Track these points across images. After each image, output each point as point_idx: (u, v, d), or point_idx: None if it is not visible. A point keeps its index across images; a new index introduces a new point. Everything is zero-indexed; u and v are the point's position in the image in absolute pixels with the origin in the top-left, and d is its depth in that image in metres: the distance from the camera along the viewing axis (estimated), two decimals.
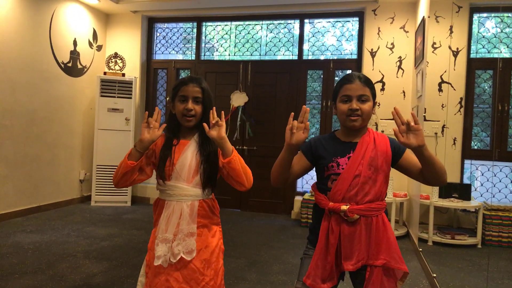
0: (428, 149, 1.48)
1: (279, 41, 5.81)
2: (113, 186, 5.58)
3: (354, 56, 5.50)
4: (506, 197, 4.41)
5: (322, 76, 5.62)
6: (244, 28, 5.94)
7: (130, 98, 5.70)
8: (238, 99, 5.72)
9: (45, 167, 5.16)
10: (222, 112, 1.68)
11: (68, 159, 5.55)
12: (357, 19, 5.49)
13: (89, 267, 3.26)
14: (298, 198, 5.42)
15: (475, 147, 4.61)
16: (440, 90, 4.51)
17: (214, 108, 1.67)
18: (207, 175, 1.72)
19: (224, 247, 1.84)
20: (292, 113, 1.52)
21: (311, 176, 5.58)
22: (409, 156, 1.65)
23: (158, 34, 6.31)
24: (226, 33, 6.02)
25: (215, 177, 1.76)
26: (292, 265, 3.48)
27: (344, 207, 1.55)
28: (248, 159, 5.64)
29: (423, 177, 1.59)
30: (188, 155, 1.72)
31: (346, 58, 5.55)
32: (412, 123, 1.44)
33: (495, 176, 4.41)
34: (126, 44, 6.12)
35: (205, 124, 1.63)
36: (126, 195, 5.72)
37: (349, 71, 5.25)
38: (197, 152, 1.73)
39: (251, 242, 4.20)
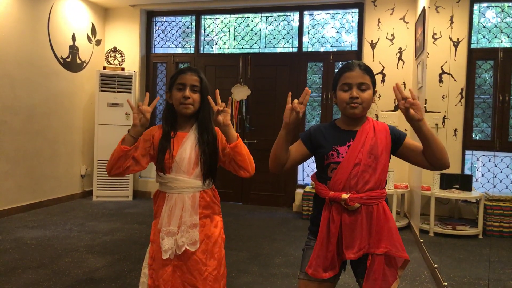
0: (426, 124, 1.50)
1: (279, 33, 5.79)
2: (114, 181, 5.63)
3: (354, 48, 5.48)
4: (507, 188, 4.41)
5: (322, 68, 5.60)
6: (243, 21, 5.91)
7: (130, 92, 5.69)
8: (240, 92, 5.69)
9: (46, 162, 5.17)
10: (230, 98, 1.71)
11: (68, 155, 5.55)
12: (356, 10, 5.46)
13: (91, 261, 3.28)
14: (299, 191, 5.42)
15: (476, 138, 4.60)
16: (440, 81, 4.49)
17: (218, 91, 1.67)
18: (207, 166, 1.72)
19: (225, 237, 1.85)
20: (290, 93, 1.56)
21: (312, 169, 5.58)
22: (410, 142, 1.65)
23: (157, 28, 6.29)
24: (225, 26, 5.99)
25: (215, 168, 1.76)
26: (294, 258, 3.49)
27: (345, 196, 1.55)
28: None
29: (425, 159, 1.59)
30: (187, 147, 1.72)
31: (346, 50, 5.53)
32: (410, 99, 1.46)
33: (496, 166, 4.41)
34: (125, 38, 6.09)
35: (209, 97, 1.65)
36: (128, 190, 5.73)
37: None
38: (196, 144, 1.73)
39: (252, 235, 4.21)
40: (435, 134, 1.53)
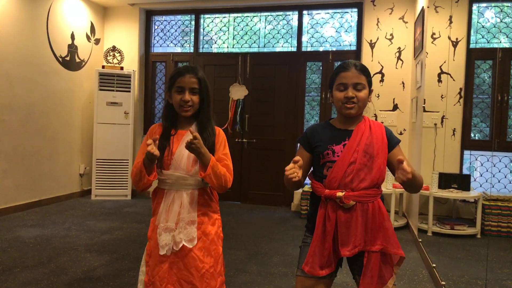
0: (412, 179, 1.47)
1: (278, 33, 5.79)
2: (113, 179, 5.64)
3: (353, 48, 5.48)
4: (505, 187, 4.41)
5: (321, 68, 5.61)
6: (242, 20, 5.91)
7: (129, 91, 5.69)
8: (238, 92, 5.70)
9: (45, 161, 5.16)
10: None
11: (67, 153, 5.55)
12: (356, 10, 5.46)
13: (90, 260, 3.28)
14: (297, 190, 5.42)
15: (475, 138, 4.61)
16: (439, 80, 4.49)
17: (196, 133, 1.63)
18: None
19: (223, 236, 1.85)
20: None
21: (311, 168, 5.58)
22: (398, 152, 1.66)
23: (156, 27, 6.28)
24: (225, 25, 5.99)
25: None
26: (292, 257, 3.49)
27: (340, 194, 1.57)
28: (247, 152, 5.65)
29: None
30: None
31: (345, 49, 5.53)
32: (403, 166, 1.44)
33: (494, 166, 4.42)
34: (124, 37, 6.09)
35: (191, 130, 1.62)
36: (126, 189, 5.73)
37: None
38: None
39: (251, 234, 4.21)
40: (416, 178, 1.53)
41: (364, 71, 1.65)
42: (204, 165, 1.65)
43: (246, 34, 5.90)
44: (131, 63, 6.02)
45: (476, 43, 4.53)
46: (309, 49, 5.67)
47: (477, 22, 4.54)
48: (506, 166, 4.39)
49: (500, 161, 4.39)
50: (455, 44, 4.46)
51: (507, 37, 4.46)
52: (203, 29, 6.09)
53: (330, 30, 5.62)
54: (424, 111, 4.17)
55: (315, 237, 1.62)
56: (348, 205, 1.57)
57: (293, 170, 1.49)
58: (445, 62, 4.47)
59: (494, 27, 4.51)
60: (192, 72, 1.74)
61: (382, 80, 5.17)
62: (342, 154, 1.61)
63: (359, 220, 1.58)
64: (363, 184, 1.59)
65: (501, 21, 4.50)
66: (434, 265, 3.13)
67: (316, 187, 1.66)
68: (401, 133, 5.08)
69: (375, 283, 1.57)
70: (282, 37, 5.77)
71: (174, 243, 1.68)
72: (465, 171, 4.55)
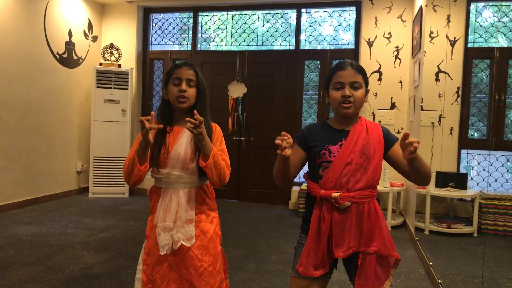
0: (417, 159, 1.48)
1: (276, 31, 5.78)
2: (110, 177, 5.62)
3: (351, 46, 5.48)
4: (502, 186, 4.43)
5: (319, 66, 5.61)
6: (240, 18, 5.90)
7: (127, 89, 5.68)
8: (237, 90, 5.69)
9: (42, 159, 5.15)
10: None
11: (65, 151, 5.54)
12: (354, 8, 5.46)
13: (87, 258, 3.27)
14: (295, 189, 5.43)
15: (472, 137, 4.62)
16: (437, 79, 4.50)
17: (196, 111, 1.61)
18: None
19: (221, 234, 1.84)
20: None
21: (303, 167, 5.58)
22: (398, 149, 1.64)
23: (154, 25, 6.27)
24: (223, 23, 5.98)
25: None
26: (290, 255, 3.50)
27: (335, 194, 1.56)
28: (245, 150, 5.65)
29: (408, 175, 1.60)
30: (183, 142, 1.71)
31: (343, 48, 5.53)
32: (408, 140, 1.43)
33: (491, 165, 4.43)
34: (122, 35, 6.07)
35: (195, 112, 1.59)
36: (124, 187, 5.72)
37: None
38: (192, 139, 1.71)
39: (249, 232, 4.22)
40: (424, 166, 1.52)
41: (361, 70, 1.64)
42: (206, 155, 1.63)
43: (244, 32, 5.89)
44: (128, 61, 6.00)
45: (473, 42, 4.54)
46: (307, 47, 5.66)
47: (475, 21, 4.55)
48: (503, 165, 4.41)
49: (497, 160, 4.40)
50: (453, 43, 4.47)
51: (504, 36, 4.47)
52: (201, 27, 6.08)
53: (328, 28, 5.62)
54: (422, 110, 4.18)
55: (309, 238, 1.61)
56: (343, 206, 1.56)
57: (282, 139, 1.46)
58: (443, 61, 4.48)
59: (492, 26, 4.51)
60: (189, 66, 1.75)
61: (380, 79, 5.18)
62: (338, 155, 1.60)
63: (354, 222, 1.58)
64: (358, 184, 1.58)
65: (498, 20, 4.51)
66: (430, 263, 3.14)
67: (311, 188, 1.65)
68: (398, 132, 5.08)
69: (370, 285, 1.56)
70: (280, 36, 5.77)
71: (172, 242, 1.67)
72: (462, 170, 4.56)
